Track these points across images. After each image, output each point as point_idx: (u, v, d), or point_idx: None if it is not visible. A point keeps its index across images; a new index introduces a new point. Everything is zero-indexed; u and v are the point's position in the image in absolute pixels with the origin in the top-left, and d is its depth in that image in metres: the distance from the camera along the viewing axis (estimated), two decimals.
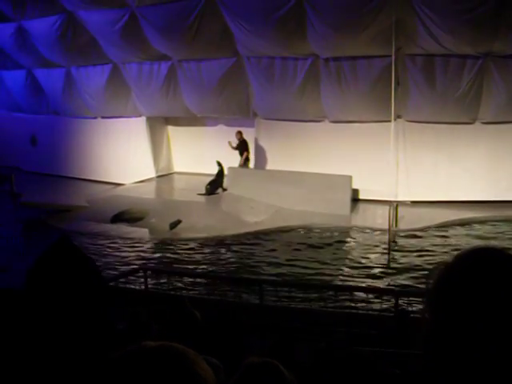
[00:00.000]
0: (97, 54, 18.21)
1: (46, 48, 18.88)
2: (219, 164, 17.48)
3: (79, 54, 18.56)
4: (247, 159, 17.86)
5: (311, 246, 13.25)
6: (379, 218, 14.50)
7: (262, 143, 18.01)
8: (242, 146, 17.76)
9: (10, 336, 2.61)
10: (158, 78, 17.78)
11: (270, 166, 17.30)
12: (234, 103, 17.27)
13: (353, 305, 9.39)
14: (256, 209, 15.36)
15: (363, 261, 12.31)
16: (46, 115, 22.52)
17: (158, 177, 20.28)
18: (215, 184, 17.18)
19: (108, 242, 14.25)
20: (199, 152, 20.25)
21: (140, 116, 19.89)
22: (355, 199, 15.80)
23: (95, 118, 20.96)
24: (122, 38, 16.75)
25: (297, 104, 16.16)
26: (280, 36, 14.84)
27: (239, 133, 17.83)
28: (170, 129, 20.96)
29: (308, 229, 14.35)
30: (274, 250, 13.10)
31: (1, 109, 24.37)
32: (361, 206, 15.73)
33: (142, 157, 20.00)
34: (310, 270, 11.72)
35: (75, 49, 18.35)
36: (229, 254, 13.26)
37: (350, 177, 15.35)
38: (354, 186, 15.63)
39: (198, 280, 10.65)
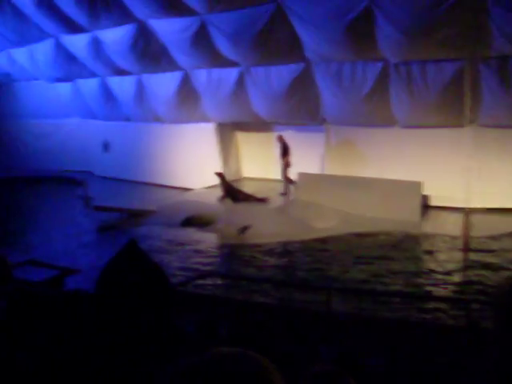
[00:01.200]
0: (167, 61, 18.52)
1: (119, 57, 19.33)
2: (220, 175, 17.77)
3: (150, 61, 18.92)
4: (287, 164, 17.96)
5: (380, 253, 13.04)
6: (450, 225, 14.17)
7: (331, 149, 17.92)
8: (283, 151, 17.97)
9: (80, 336, 2.66)
10: (227, 84, 17.94)
11: (339, 172, 17.16)
12: (303, 109, 17.21)
13: (423, 314, 9.18)
14: (325, 214, 15.28)
15: (434, 268, 12.03)
16: (118, 121, 23.09)
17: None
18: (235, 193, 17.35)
19: (177, 246, 14.42)
20: (268, 157, 20.35)
21: (209, 122, 20.13)
22: (426, 205, 15.50)
23: (165, 123, 21.33)
24: (192, 45, 16.96)
25: (366, 109, 15.96)
26: (349, 41, 14.68)
27: (280, 137, 18.11)
28: (239, 134, 21.11)
29: (377, 235, 14.14)
30: (342, 257, 12.96)
31: (75, 115, 25.11)
32: (432, 212, 15.41)
33: (211, 162, 20.21)
34: (379, 277, 11.54)
35: (146, 57, 18.71)
36: (297, 260, 13.21)
37: (421, 183, 15.09)
38: (425, 192, 15.36)
39: (266, 286, 10.60)
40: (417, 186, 15.08)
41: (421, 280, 11.41)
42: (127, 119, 22.59)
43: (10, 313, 2.91)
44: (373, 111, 16.04)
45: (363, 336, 7.20)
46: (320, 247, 13.66)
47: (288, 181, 18.06)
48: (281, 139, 18.20)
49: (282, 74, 16.76)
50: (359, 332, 7.81)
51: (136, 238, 3.31)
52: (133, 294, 2.86)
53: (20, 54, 22.96)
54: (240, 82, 17.66)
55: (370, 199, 15.25)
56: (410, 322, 8.66)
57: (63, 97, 24.62)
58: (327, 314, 8.82)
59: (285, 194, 17.93)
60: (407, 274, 11.76)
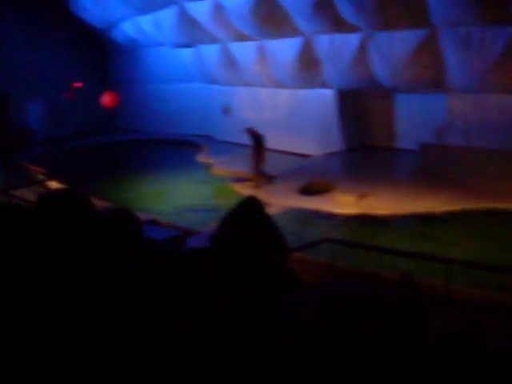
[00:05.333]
0: (288, 26, 18.44)
1: (240, 22, 19.45)
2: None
3: (271, 27, 18.91)
4: (261, 158, 17.14)
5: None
6: None
7: (454, 117, 17.29)
8: (255, 143, 17.25)
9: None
10: (349, 50, 17.59)
11: (462, 142, 16.59)
12: (427, 76, 16.64)
13: None
14: (444, 187, 14.82)
15: None
16: (238, 86, 23.36)
17: (348, 150, 20.28)
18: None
19: (294, 213, 14.49)
20: (390, 125, 20.03)
21: (330, 88, 19.95)
22: None
23: (285, 89, 21.36)
24: (314, 10, 16.77)
25: (495, 77, 15.19)
26: (480, 3, 13.96)
27: (250, 130, 17.52)
28: (361, 101, 20.78)
29: (501, 211, 13.39)
30: (469, 232, 12.49)
31: (197, 80, 25.63)
32: None
33: (331, 129, 20.11)
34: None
35: (268, 22, 18.70)
36: (418, 231, 12.89)
37: None
38: None
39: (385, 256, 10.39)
40: None
41: None
42: (247, 84, 22.80)
43: (136, 270, 3.02)
44: (502, 78, 15.24)
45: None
46: (444, 221, 13.25)
47: (260, 175, 17.14)
48: (251, 132, 17.45)
49: (406, 39, 16.23)
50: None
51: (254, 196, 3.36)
52: (250, 248, 2.93)
53: (146, 21, 23.67)
54: (362, 48, 17.27)
55: (493, 172, 14.65)
56: None
57: (185, 62, 25.18)
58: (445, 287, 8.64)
59: (258, 186, 16.85)
60: None
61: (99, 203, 12.53)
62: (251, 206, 3.18)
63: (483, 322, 6.55)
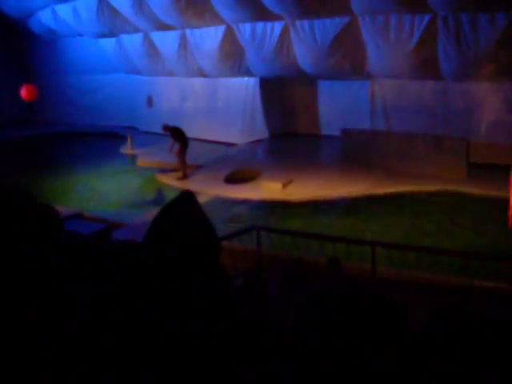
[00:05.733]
0: (210, 15, 18.35)
1: (162, 11, 19.21)
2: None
3: (193, 15, 18.77)
4: (182, 149, 17.10)
5: (422, 212, 12.94)
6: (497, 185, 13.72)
7: (376, 103, 17.68)
8: (174, 137, 17.26)
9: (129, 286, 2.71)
10: (272, 39, 17.70)
11: (385, 127, 17.01)
12: (348, 63, 16.93)
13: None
14: (367, 172, 15.17)
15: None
16: (162, 77, 23.12)
17: (272, 137, 20.44)
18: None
19: (221, 201, 14.51)
20: (313, 112, 20.29)
21: (253, 76, 20.00)
22: (474, 164, 14.99)
23: (209, 78, 21.28)
24: None
25: (413, 63, 15.61)
26: None
27: (165, 126, 17.45)
28: (284, 89, 20.94)
29: (420, 194, 13.89)
30: (387, 215, 12.86)
31: (120, 71, 25.18)
32: (480, 171, 14.84)
33: (255, 117, 20.19)
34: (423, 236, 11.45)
35: (189, 11, 18.55)
36: (341, 216, 13.14)
37: (467, 140, 14.82)
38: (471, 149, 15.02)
39: (312, 241, 10.52)
40: (463, 143, 14.80)
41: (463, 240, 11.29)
42: (171, 74, 22.59)
43: (62, 266, 2.97)
44: (419, 64, 15.68)
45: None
46: (363, 204, 13.59)
47: (185, 165, 17.04)
48: (166, 128, 17.40)
49: (326, 27, 16.45)
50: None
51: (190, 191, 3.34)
52: (183, 242, 2.93)
53: (64, 10, 22.99)
54: (284, 36, 17.40)
55: (412, 156, 15.08)
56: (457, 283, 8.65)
57: (107, 52, 24.68)
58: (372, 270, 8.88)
59: (183, 178, 16.75)
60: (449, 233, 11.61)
61: None
62: (187, 200, 3.17)
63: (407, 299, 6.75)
